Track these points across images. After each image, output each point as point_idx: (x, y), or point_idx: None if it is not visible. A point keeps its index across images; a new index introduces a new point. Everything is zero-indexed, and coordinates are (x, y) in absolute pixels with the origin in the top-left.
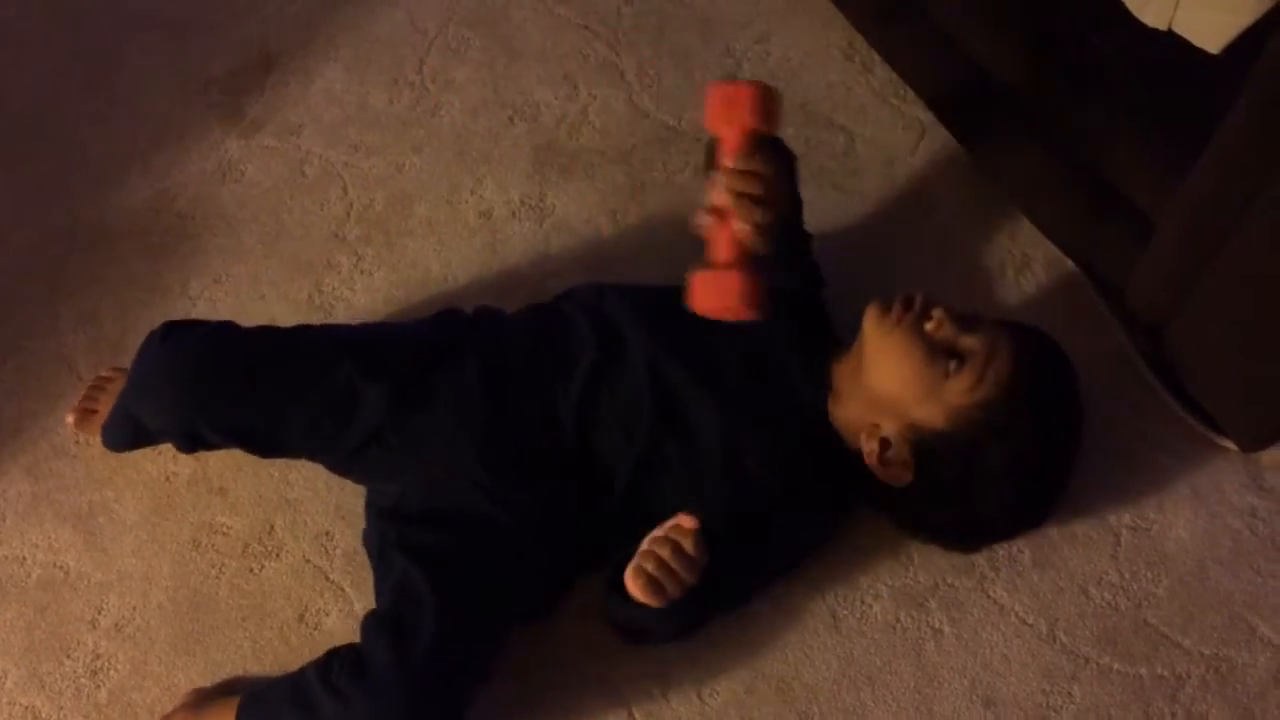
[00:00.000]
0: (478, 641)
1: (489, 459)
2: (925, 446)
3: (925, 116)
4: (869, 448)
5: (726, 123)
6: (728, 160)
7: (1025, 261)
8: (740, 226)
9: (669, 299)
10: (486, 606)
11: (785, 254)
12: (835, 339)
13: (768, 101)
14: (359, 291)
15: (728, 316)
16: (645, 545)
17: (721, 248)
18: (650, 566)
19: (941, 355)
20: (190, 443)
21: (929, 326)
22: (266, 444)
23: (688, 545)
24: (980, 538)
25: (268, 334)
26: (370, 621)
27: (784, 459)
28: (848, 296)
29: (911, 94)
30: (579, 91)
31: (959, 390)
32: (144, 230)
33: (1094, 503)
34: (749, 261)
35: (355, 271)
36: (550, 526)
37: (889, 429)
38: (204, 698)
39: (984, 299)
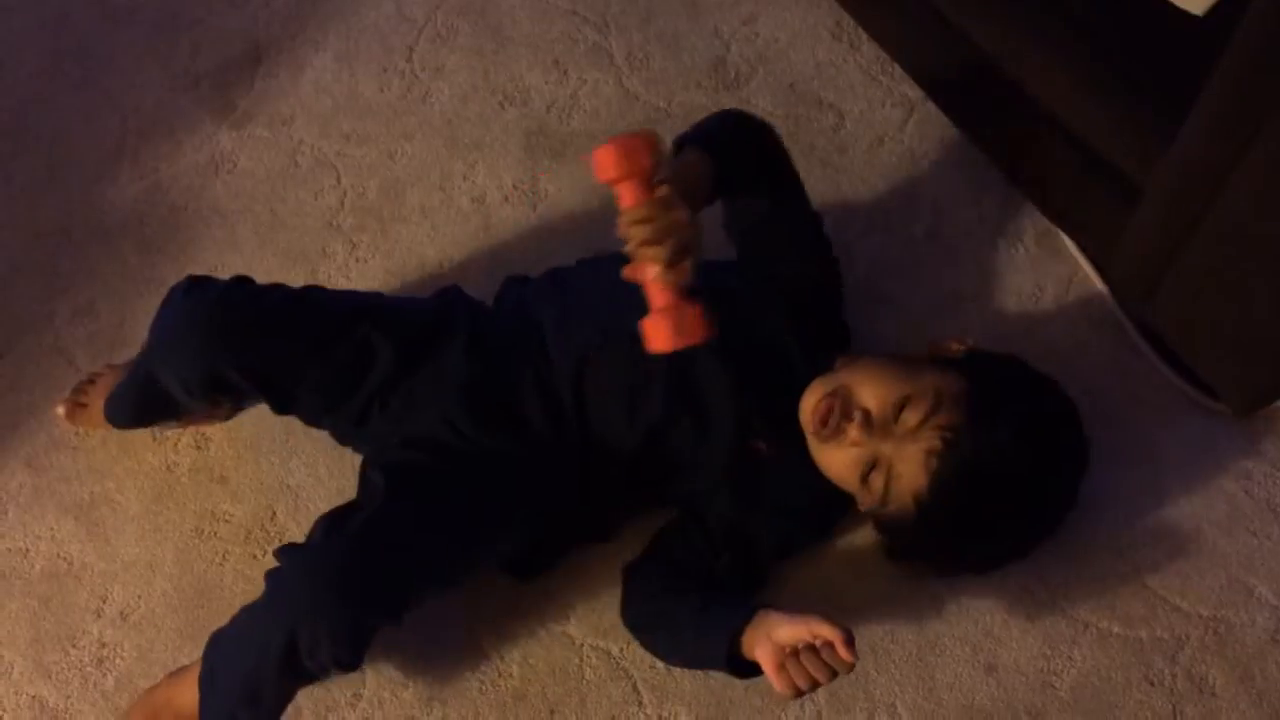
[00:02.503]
0: (421, 543)
1: (475, 415)
2: (872, 514)
3: (914, 93)
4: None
5: (619, 175)
6: (623, 209)
7: (1016, 233)
8: (653, 270)
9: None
10: (440, 520)
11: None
12: (844, 336)
13: (649, 143)
14: (355, 279)
15: (684, 346)
16: (790, 641)
17: (651, 292)
18: (804, 684)
19: (860, 465)
20: (210, 387)
21: (844, 441)
22: (282, 394)
23: (844, 670)
24: (951, 573)
25: (287, 289)
26: (325, 513)
27: (793, 446)
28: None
29: (900, 71)
30: (569, 76)
31: (870, 500)
32: (138, 223)
33: (1089, 469)
34: (683, 295)
35: (350, 260)
36: (543, 487)
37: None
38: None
39: (974, 273)
